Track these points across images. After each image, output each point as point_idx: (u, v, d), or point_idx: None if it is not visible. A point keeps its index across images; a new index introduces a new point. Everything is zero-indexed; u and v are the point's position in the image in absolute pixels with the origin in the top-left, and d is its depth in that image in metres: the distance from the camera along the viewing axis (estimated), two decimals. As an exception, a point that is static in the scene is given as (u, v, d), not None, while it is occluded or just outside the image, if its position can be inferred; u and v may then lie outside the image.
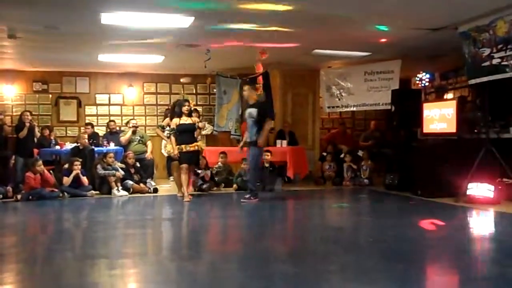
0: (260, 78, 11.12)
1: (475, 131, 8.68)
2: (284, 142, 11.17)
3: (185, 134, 8.85)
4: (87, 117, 12.59)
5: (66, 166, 9.48)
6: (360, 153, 11.43)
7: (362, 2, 6.84)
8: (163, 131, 9.01)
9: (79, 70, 12.43)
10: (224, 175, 10.47)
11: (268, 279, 3.94)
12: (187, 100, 9.27)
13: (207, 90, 13.17)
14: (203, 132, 11.28)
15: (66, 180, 9.22)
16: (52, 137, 11.24)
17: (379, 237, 5.74)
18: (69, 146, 10.71)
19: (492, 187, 7.78)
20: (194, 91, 13.16)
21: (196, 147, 8.96)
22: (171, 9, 7.06)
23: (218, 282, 3.94)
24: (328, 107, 12.42)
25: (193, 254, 5.02)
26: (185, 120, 8.88)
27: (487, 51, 7.78)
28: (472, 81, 8.40)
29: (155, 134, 12.19)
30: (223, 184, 10.40)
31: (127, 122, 11.84)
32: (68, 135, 12.45)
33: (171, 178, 10.74)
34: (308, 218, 7.57)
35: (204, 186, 9.79)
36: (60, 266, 4.47)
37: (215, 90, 12.74)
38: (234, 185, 10.14)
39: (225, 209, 8.52)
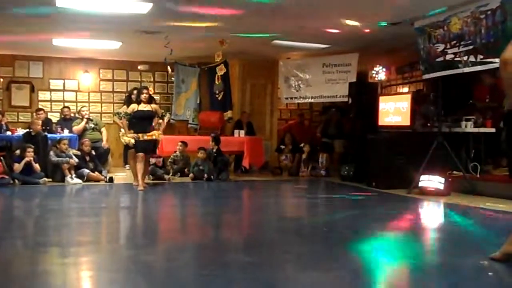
0: (222, 66, 11.09)
1: (428, 124, 8.91)
2: (242, 132, 11.19)
3: (142, 121, 8.64)
4: (40, 103, 12.24)
5: (18, 152, 9.22)
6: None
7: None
8: (121, 119, 8.86)
9: (33, 54, 12.06)
10: (180, 165, 10.40)
11: (223, 267, 3.94)
12: (146, 87, 9.10)
13: (165, 78, 13.02)
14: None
15: (17, 167, 8.96)
16: (3, 123, 10.89)
17: (332, 227, 5.84)
18: (21, 132, 10.41)
19: (442, 180, 8.02)
20: (152, 79, 12.98)
21: (154, 137, 8.77)
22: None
23: (173, 271, 3.92)
24: (286, 98, 12.48)
25: (148, 242, 4.97)
26: (143, 107, 8.68)
27: (441, 47, 7.99)
28: (426, 76, 8.62)
29: (112, 122, 12.00)
30: (178, 173, 10.34)
31: (79, 110, 11.59)
32: (20, 120, 12.08)
33: (127, 166, 10.59)
34: (263, 207, 7.60)
35: (158, 173, 9.73)
36: (10, 255, 4.35)
37: (173, 78, 12.62)
38: (191, 174, 10.07)
39: (180, 198, 8.48)
